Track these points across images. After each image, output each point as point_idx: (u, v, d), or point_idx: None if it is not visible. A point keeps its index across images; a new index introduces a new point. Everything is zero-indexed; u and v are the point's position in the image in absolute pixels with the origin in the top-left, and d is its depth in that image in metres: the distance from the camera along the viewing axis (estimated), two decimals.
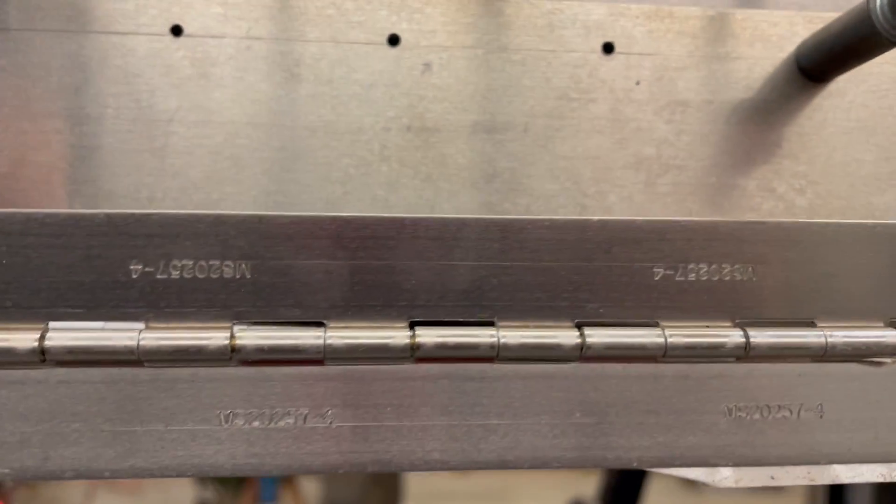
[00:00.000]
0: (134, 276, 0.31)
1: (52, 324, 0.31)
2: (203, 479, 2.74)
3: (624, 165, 0.45)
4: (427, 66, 0.44)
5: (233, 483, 2.76)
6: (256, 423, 0.32)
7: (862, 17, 0.40)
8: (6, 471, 0.31)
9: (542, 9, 0.45)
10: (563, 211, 0.44)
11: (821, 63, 0.44)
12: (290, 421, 0.32)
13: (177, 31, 0.43)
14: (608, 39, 0.45)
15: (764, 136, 0.45)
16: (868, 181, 0.45)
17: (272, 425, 0.32)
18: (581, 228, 0.33)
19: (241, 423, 0.32)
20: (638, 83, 0.45)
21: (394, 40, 0.44)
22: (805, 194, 0.45)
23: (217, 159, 0.43)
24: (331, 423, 0.33)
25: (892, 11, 0.38)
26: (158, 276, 0.31)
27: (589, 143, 0.45)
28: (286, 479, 2.77)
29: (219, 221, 0.31)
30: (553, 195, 0.44)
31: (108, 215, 0.31)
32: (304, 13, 0.44)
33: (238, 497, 2.80)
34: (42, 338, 0.31)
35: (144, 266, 0.31)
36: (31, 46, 0.42)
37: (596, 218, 0.33)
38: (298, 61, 0.44)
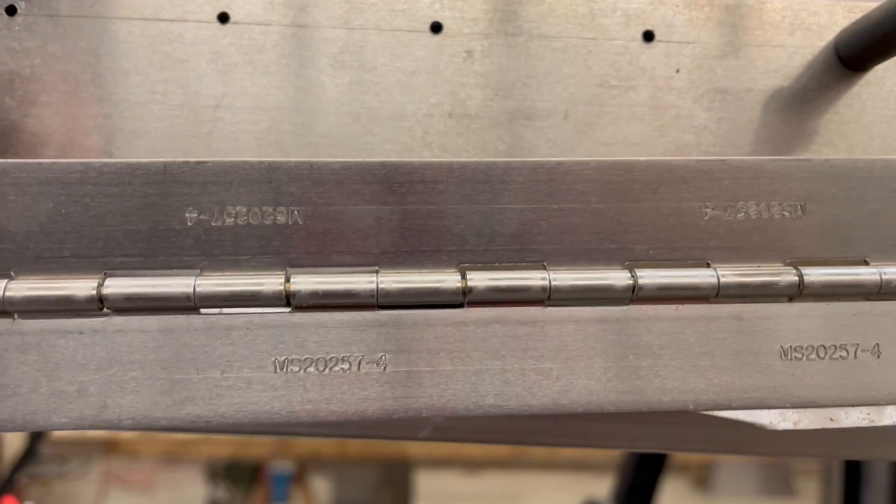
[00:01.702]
0: (189, 224, 0.32)
1: (109, 272, 0.32)
2: (214, 478, 2.75)
3: (664, 152, 0.45)
4: (469, 53, 0.45)
5: (244, 482, 2.76)
6: (311, 370, 0.32)
7: None
8: (64, 420, 0.31)
9: None
10: None
11: (860, 52, 0.44)
12: (345, 367, 0.32)
13: (224, 18, 0.44)
14: (648, 27, 0.45)
15: (803, 124, 0.46)
16: None
17: (327, 371, 0.32)
18: (628, 169, 0.33)
19: (296, 369, 0.32)
20: (678, 71, 0.45)
21: (436, 28, 0.45)
22: None
23: (262, 145, 0.44)
24: (385, 368, 0.33)
25: None
26: (213, 224, 0.32)
27: (629, 130, 0.45)
28: (298, 479, 2.77)
29: (271, 168, 0.32)
30: None
31: (164, 164, 0.31)
32: (348, 1, 0.44)
33: (249, 496, 2.80)
34: (100, 286, 0.31)
35: (199, 214, 0.32)
36: (81, 32, 0.43)
37: (643, 158, 0.33)
38: (342, 48, 0.44)
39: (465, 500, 2.80)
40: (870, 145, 0.46)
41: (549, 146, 0.45)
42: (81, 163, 0.31)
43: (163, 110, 0.43)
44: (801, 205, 0.34)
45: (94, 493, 2.68)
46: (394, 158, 0.32)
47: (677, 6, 0.45)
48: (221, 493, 2.77)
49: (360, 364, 0.33)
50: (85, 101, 0.43)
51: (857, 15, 0.45)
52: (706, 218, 0.34)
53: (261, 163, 0.32)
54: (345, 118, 0.44)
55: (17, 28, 0.43)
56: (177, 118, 0.43)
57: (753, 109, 0.45)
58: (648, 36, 0.45)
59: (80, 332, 0.32)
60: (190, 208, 0.32)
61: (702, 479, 2.91)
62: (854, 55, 0.45)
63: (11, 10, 0.43)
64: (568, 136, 0.45)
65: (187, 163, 0.31)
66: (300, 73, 0.44)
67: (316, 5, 0.44)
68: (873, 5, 0.43)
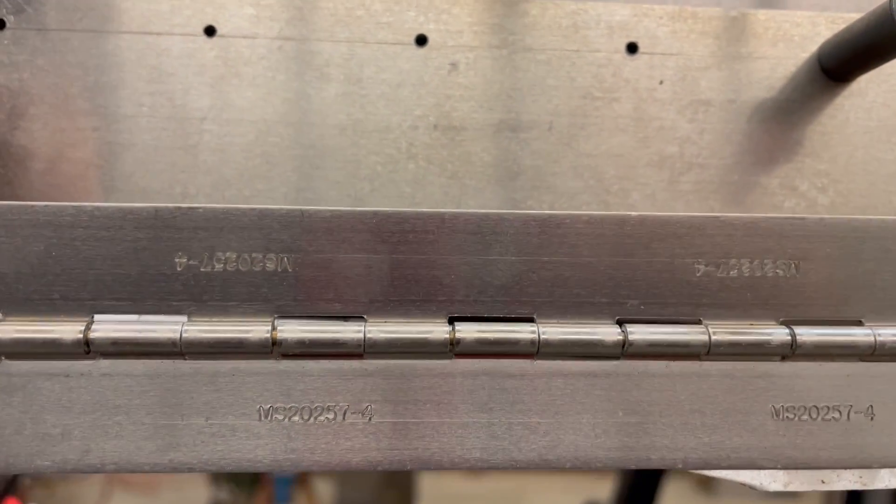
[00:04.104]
0: (178, 269, 0.32)
1: (97, 316, 0.32)
2: (218, 479, 2.75)
3: (647, 163, 0.45)
4: (454, 65, 0.45)
5: (247, 483, 2.77)
6: (296, 418, 0.32)
7: (883, 18, 0.40)
8: (47, 463, 0.31)
9: (567, 9, 0.46)
10: (587, 208, 0.45)
11: (843, 63, 0.45)
12: (330, 416, 0.32)
13: (210, 31, 0.44)
14: (632, 39, 0.46)
15: (786, 135, 0.46)
16: (889, 180, 0.46)
17: (311, 420, 0.32)
18: (620, 223, 0.33)
19: (281, 417, 0.32)
20: (661, 82, 0.46)
21: (421, 40, 0.45)
22: (827, 192, 0.46)
23: (249, 156, 0.44)
24: (370, 418, 0.33)
25: None
26: (202, 269, 0.32)
27: (612, 141, 0.45)
28: (300, 480, 2.78)
29: (262, 215, 0.32)
30: (577, 193, 0.45)
31: (155, 209, 0.32)
32: (333, 14, 0.45)
33: (252, 497, 2.80)
34: (87, 329, 0.31)
35: (189, 259, 0.32)
36: (69, 46, 0.43)
37: (635, 213, 0.33)
38: (328, 61, 0.45)
39: (467, 501, 2.80)
40: (853, 156, 0.46)
41: (534, 158, 0.45)
42: (73, 206, 0.31)
43: (150, 123, 0.44)
44: (794, 263, 0.34)
45: (97, 494, 2.69)
46: (385, 207, 0.32)
47: (661, 18, 0.46)
48: (224, 494, 2.77)
49: (345, 414, 0.33)
50: (73, 114, 0.43)
51: (839, 26, 0.45)
52: (698, 274, 0.33)
53: (252, 209, 0.32)
54: (331, 130, 0.44)
55: (5, 42, 0.43)
56: (164, 130, 0.44)
57: (737, 121, 0.46)
58: (632, 48, 0.46)
59: (67, 375, 0.32)
60: (180, 253, 0.32)
61: (705, 481, 2.90)
62: (837, 66, 0.45)
63: (0, 25, 0.43)
64: (552, 147, 0.45)
65: (178, 208, 0.32)
66: (286, 85, 0.44)
67: (301, 18, 0.45)
68: (855, 17, 0.43)
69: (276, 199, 0.44)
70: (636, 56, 0.46)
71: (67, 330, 0.31)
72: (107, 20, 0.44)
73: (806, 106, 0.46)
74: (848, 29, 0.43)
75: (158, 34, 0.44)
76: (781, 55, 0.46)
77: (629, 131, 0.45)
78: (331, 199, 0.44)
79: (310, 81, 0.45)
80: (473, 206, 0.45)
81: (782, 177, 0.46)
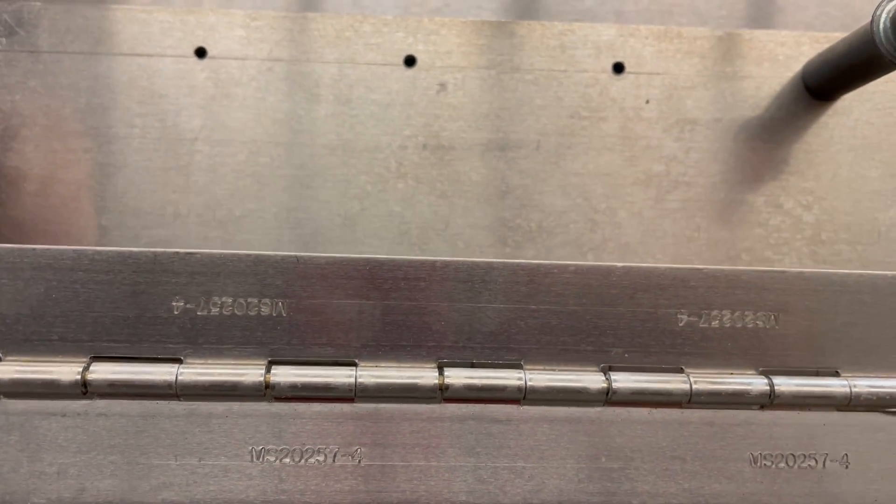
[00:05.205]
0: (175, 313, 0.33)
1: (94, 357, 0.32)
2: None
3: (634, 182, 0.46)
4: (442, 85, 0.46)
5: None
6: (287, 460, 0.33)
7: (866, 39, 0.40)
8: (42, 501, 0.32)
9: (554, 30, 0.46)
10: (574, 226, 0.45)
11: (826, 82, 0.45)
12: (320, 458, 0.33)
13: (201, 52, 0.44)
14: (618, 59, 0.46)
15: (771, 154, 0.46)
16: (873, 197, 0.46)
17: (302, 462, 0.33)
18: (606, 274, 0.34)
19: (272, 459, 0.33)
20: (647, 102, 0.46)
21: (410, 61, 0.45)
22: (812, 210, 0.46)
23: (239, 177, 0.44)
24: (359, 461, 0.33)
25: (894, 34, 0.39)
26: (199, 313, 0.33)
27: (599, 160, 0.46)
28: None
29: (258, 261, 0.33)
30: (564, 211, 0.45)
31: (154, 254, 0.32)
32: (323, 35, 0.45)
33: None
34: (85, 371, 0.32)
35: (186, 303, 0.33)
36: (61, 68, 0.44)
37: (620, 264, 0.34)
38: (318, 82, 0.45)
39: None
40: (837, 174, 0.46)
41: (522, 176, 0.45)
42: (73, 250, 0.32)
43: (142, 144, 0.44)
44: (774, 315, 0.35)
45: None
46: (379, 255, 0.33)
47: (647, 38, 0.46)
48: None
49: (335, 456, 0.33)
50: (65, 136, 0.44)
51: (823, 46, 0.46)
52: (681, 324, 0.34)
53: (248, 255, 0.33)
54: (320, 150, 0.45)
55: None
56: (156, 151, 0.44)
57: (723, 139, 0.46)
58: (618, 68, 0.46)
59: (63, 415, 0.32)
60: (177, 297, 0.32)
61: None
62: (821, 85, 0.46)
63: None
64: (540, 166, 0.46)
65: (177, 253, 0.32)
66: (277, 106, 0.45)
67: (291, 40, 0.45)
68: (839, 36, 0.44)
69: (266, 219, 0.44)
70: (623, 76, 0.46)
71: (65, 371, 0.32)
72: (98, 42, 0.44)
73: (791, 124, 0.46)
74: (831, 49, 0.44)
75: (150, 56, 0.44)
76: (766, 74, 0.46)
77: (616, 150, 0.46)
78: (321, 219, 0.45)
79: (300, 102, 0.45)
80: (462, 225, 0.45)
81: (768, 195, 0.46)
